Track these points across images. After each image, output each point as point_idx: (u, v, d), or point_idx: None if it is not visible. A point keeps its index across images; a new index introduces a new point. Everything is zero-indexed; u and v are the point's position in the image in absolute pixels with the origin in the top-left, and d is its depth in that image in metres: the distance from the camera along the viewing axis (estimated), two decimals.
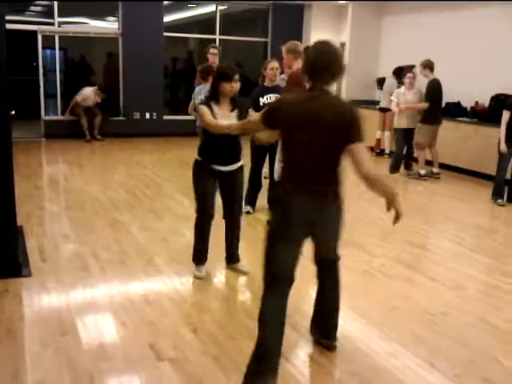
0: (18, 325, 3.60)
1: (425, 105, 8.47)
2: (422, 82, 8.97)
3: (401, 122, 8.90)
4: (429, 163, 8.95)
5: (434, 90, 8.45)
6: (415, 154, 9.04)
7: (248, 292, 4.28)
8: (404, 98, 8.80)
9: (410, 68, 10.09)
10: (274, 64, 6.21)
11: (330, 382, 3.17)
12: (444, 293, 4.42)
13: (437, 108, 8.59)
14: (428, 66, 8.44)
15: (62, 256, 4.89)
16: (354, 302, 4.10)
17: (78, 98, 11.13)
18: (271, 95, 6.05)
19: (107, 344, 3.45)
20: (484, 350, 3.50)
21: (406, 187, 8.46)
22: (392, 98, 8.99)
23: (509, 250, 5.64)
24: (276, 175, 5.76)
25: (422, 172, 8.83)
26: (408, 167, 9.24)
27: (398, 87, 9.61)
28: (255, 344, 2.95)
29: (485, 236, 6.21)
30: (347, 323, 3.76)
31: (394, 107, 8.87)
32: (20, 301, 3.96)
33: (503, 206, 7.25)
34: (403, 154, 9.11)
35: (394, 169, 9.05)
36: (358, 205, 7.08)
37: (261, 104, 5.97)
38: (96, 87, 11.48)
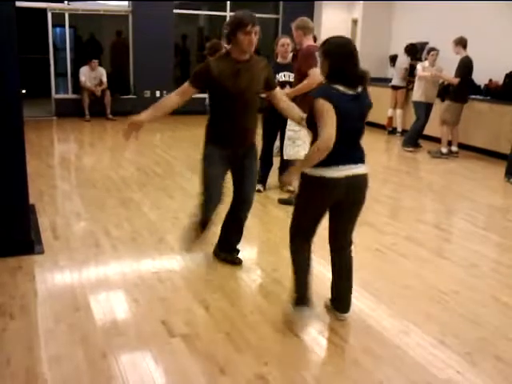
0: (31, 301, 3.64)
1: (456, 79, 8.36)
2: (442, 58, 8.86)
3: (422, 95, 8.82)
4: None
5: (466, 67, 8.33)
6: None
7: (260, 270, 4.28)
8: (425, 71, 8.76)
9: (424, 45, 9.98)
10: (285, 40, 6.15)
11: (341, 358, 3.17)
12: (456, 271, 4.40)
13: (467, 86, 8.48)
14: (460, 42, 8.30)
15: (74, 233, 4.92)
16: (365, 280, 4.09)
17: (81, 78, 11.09)
18: (285, 73, 6.01)
19: (120, 320, 3.48)
20: (496, 328, 3.49)
21: (423, 165, 8.40)
22: (418, 66, 8.90)
23: None
24: (285, 154, 5.75)
25: (445, 150, 8.77)
26: (417, 145, 9.17)
27: (411, 64, 9.50)
28: None
29: (497, 215, 6.16)
30: (359, 301, 3.76)
31: (421, 72, 8.76)
32: (33, 277, 3.99)
33: None
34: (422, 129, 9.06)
35: (412, 144, 8.99)
36: (370, 183, 7.07)
37: (280, 80, 5.96)
38: (95, 62, 11.20)
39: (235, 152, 3.92)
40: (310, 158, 3.08)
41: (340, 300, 3.52)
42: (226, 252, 4.35)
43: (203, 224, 4.08)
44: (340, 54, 3.12)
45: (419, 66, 8.89)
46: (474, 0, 9.36)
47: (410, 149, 9.05)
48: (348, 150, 3.16)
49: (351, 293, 3.51)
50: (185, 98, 3.84)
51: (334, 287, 3.54)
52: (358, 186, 3.24)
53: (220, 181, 3.97)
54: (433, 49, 9.04)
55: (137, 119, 3.71)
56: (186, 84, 3.81)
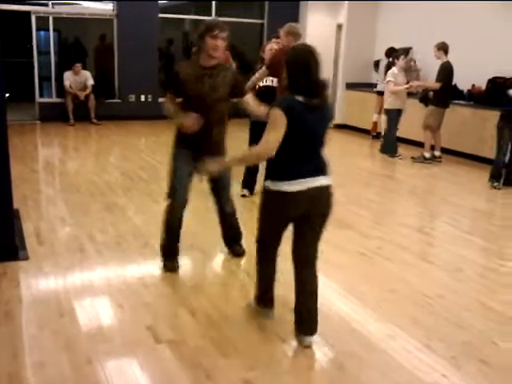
0: (15, 307, 3.60)
1: (437, 85, 8.43)
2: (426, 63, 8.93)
3: (395, 103, 8.89)
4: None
5: (447, 72, 8.38)
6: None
7: (245, 275, 4.28)
8: (397, 79, 8.82)
9: (406, 50, 10.05)
10: (273, 45, 6.17)
11: (327, 363, 3.18)
12: (441, 275, 4.43)
13: (448, 91, 8.55)
14: (442, 48, 8.35)
15: (58, 239, 4.88)
16: (350, 283, 4.11)
17: (65, 82, 11.03)
18: (270, 77, 6.02)
19: (105, 326, 3.46)
20: (480, 332, 3.52)
21: (406, 170, 8.45)
22: (389, 78, 8.94)
23: (505, 232, 5.65)
24: None
25: (428, 155, 8.81)
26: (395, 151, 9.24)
27: (388, 67, 9.54)
28: None
29: (481, 219, 6.22)
30: (344, 305, 3.78)
31: (392, 87, 8.81)
32: (17, 283, 3.95)
33: (499, 189, 7.26)
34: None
35: (391, 150, 9.07)
36: (352, 187, 7.10)
37: (261, 85, 5.98)
38: (78, 66, 11.13)
39: (197, 153, 3.92)
40: (245, 159, 3.11)
41: (304, 322, 3.28)
42: (227, 245, 4.60)
43: (172, 232, 4.22)
44: (297, 64, 3.07)
45: (390, 78, 8.91)
46: (460, 0, 9.44)
47: (396, 157, 9.09)
48: (308, 162, 3.10)
49: (316, 315, 3.27)
50: (172, 101, 4.09)
51: (297, 308, 3.30)
52: (319, 198, 3.14)
53: (186, 181, 4.07)
54: (404, 54, 9.18)
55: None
56: (167, 91, 4.15)
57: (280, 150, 3.01)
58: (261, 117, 3.86)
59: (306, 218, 3.18)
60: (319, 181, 3.12)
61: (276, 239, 3.33)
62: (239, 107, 4.10)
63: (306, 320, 3.28)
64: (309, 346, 3.25)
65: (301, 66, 3.05)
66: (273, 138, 2.99)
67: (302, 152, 3.08)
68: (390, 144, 9.18)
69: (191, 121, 3.85)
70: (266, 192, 3.17)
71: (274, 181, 3.09)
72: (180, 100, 4.05)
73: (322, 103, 3.10)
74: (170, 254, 4.26)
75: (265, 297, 3.51)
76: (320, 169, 3.16)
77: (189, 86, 3.88)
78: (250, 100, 4.09)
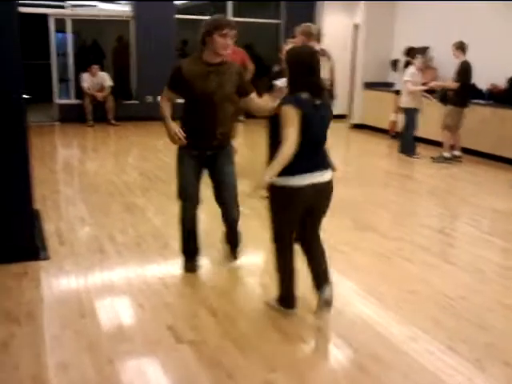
0: (37, 307, 3.63)
1: (455, 84, 8.36)
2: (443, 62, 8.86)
3: (412, 102, 8.84)
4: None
5: (466, 71, 8.30)
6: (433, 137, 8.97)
7: (265, 275, 4.27)
8: (414, 79, 8.76)
9: (424, 50, 9.98)
10: (290, 46, 6.14)
11: (349, 365, 3.16)
12: (462, 276, 4.39)
13: (467, 90, 8.48)
14: (461, 47, 8.28)
15: (78, 239, 4.91)
16: (371, 285, 4.08)
17: (83, 84, 11.11)
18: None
19: (126, 326, 3.47)
20: (503, 334, 3.48)
21: (425, 170, 8.38)
22: (406, 77, 8.88)
23: None
24: None
25: (447, 155, 8.74)
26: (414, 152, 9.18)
27: (406, 66, 9.50)
28: None
29: (502, 220, 6.14)
30: (365, 306, 3.76)
31: (409, 87, 8.75)
32: (39, 283, 3.99)
33: None
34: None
35: (409, 150, 9.01)
36: (371, 187, 7.07)
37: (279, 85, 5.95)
38: (95, 68, 11.22)
39: (203, 153, 3.94)
40: (279, 164, 3.10)
41: (320, 277, 3.50)
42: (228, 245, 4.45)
43: (188, 232, 4.18)
44: (300, 63, 3.22)
45: (408, 77, 8.85)
46: (477, 0, 9.36)
47: (414, 157, 9.03)
48: (312, 157, 3.25)
49: (328, 271, 3.53)
50: (170, 102, 3.94)
51: (314, 270, 3.53)
52: (325, 191, 3.34)
53: (194, 180, 3.99)
54: (422, 53, 9.11)
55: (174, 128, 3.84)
56: (165, 88, 3.92)
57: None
58: (265, 113, 3.85)
59: (311, 210, 3.37)
60: (325, 175, 3.31)
61: (290, 232, 3.45)
62: (244, 107, 4.06)
63: (324, 272, 3.52)
64: (330, 301, 3.45)
65: (304, 65, 3.21)
66: (292, 132, 3.09)
67: (310, 147, 3.21)
68: (408, 144, 9.12)
69: (175, 137, 3.81)
70: (275, 188, 3.25)
71: (283, 176, 3.16)
72: (183, 101, 3.91)
73: (323, 101, 3.25)
74: (188, 254, 4.26)
75: (288, 297, 3.53)
76: (325, 163, 3.35)
77: (195, 84, 3.74)
78: (255, 98, 3.97)
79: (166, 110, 3.90)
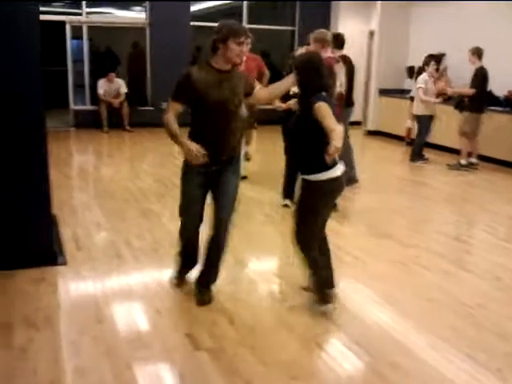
0: (54, 312, 3.64)
1: (471, 90, 8.31)
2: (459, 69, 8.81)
3: (426, 109, 8.80)
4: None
5: (482, 77, 8.26)
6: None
7: (282, 283, 4.26)
8: (428, 86, 8.74)
9: (440, 56, 9.94)
10: (302, 52, 6.13)
11: (369, 373, 3.13)
12: (479, 284, 4.35)
13: (483, 96, 8.43)
14: (477, 53, 8.23)
15: (95, 244, 4.93)
16: (389, 293, 4.05)
17: (99, 91, 11.20)
18: None
19: (143, 332, 3.47)
20: None
21: (441, 177, 8.32)
22: (419, 84, 8.85)
23: None
24: None
25: (464, 162, 8.67)
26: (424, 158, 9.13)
27: (419, 73, 9.45)
28: None
29: None
30: (383, 314, 3.73)
31: (421, 95, 8.72)
32: (56, 289, 4.00)
33: None
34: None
35: (420, 157, 8.98)
36: (386, 194, 7.03)
37: (291, 93, 5.93)
38: (112, 75, 11.30)
39: (210, 168, 3.61)
40: (338, 142, 3.16)
41: (332, 273, 3.79)
42: (196, 284, 3.91)
43: (186, 251, 3.99)
44: (311, 68, 3.45)
45: (421, 84, 8.81)
46: (493, 6, 9.31)
47: (420, 162, 9.00)
48: None
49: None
50: (176, 115, 3.55)
51: (330, 267, 3.79)
52: (343, 185, 3.61)
53: (197, 199, 3.72)
54: (438, 60, 9.08)
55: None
56: (170, 100, 3.55)
57: (319, 141, 3.32)
58: (277, 97, 3.92)
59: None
60: (342, 166, 3.54)
61: (322, 229, 3.70)
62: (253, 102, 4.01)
63: (332, 275, 3.78)
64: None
65: (315, 69, 3.44)
66: (335, 122, 3.25)
67: None
68: (418, 149, 9.08)
69: (197, 154, 3.45)
70: (316, 184, 3.45)
71: (323, 171, 3.39)
72: (190, 112, 3.61)
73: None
74: (183, 266, 4.06)
75: (325, 293, 3.70)
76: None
77: (208, 93, 3.46)
78: (259, 90, 3.79)
79: (176, 126, 3.51)
